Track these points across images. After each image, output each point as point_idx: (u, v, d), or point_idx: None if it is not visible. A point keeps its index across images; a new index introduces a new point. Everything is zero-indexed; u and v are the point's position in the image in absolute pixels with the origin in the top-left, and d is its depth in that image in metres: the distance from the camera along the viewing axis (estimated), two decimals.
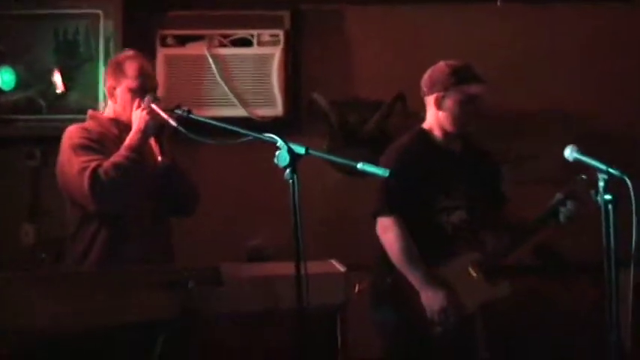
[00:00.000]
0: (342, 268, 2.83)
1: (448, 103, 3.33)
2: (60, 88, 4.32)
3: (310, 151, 2.61)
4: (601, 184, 2.68)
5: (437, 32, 4.46)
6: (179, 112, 3.01)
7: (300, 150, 2.59)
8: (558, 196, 3.41)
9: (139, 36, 4.32)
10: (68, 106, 4.29)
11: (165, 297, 2.43)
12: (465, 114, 3.34)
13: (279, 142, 2.59)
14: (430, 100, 3.39)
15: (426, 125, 3.43)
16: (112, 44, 4.28)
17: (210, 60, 4.29)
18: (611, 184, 2.90)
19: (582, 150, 2.81)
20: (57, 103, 4.32)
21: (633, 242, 2.61)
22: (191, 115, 2.98)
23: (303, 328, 2.49)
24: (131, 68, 3.18)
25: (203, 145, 3.90)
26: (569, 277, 4.48)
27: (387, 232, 3.27)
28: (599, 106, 4.50)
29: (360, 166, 2.58)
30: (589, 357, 4.32)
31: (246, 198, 4.40)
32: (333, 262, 2.89)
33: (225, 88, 4.29)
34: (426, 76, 3.42)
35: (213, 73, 4.29)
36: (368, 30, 4.47)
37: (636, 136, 4.49)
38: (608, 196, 2.66)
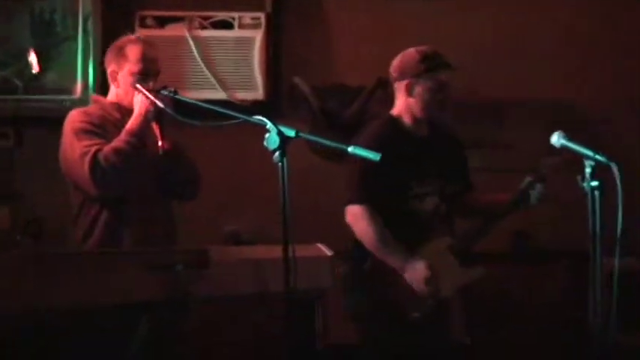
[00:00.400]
0: (328, 252, 2.82)
1: (419, 90, 3.34)
2: (35, 68, 4.25)
3: (300, 134, 2.59)
4: (588, 170, 2.69)
5: (418, 19, 4.46)
6: (165, 92, 2.99)
7: (290, 132, 2.56)
8: (528, 178, 3.44)
9: (118, 16, 4.27)
10: (45, 87, 4.24)
11: (153, 279, 2.40)
12: (436, 101, 3.35)
13: (269, 125, 2.56)
14: (400, 87, 3.38)
15: (395, 112, 3.43)
16: (90, 24, 4.22)
17: (191, 42, 4.25)
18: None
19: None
20: (33, 83, 4.25)
21: (618, 229, 2.62)
22: (177, 96, 2.96)
23: (290, 311, 2.48)
24: (133, 52, 3.17)
25: (180, 129, 3.90)
26: (547, 265, 4.53)
27: (358, 220, 3.26)
28: (575, 94, 4.54)
29: (351, 149, 2.57)
30: (567, 344, 4.37)
31: (223, 183, 4.37)
32: (320, 245, 2.88)
33: (206, 71, 4.25)
34: (395, 63, 3.41)
35: (194, 56, 4.25)
36: (350, 15, 4.46)
37: (613, 123, 4.54)
38: (594, 183, 2.67)
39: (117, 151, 2.99)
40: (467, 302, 4.23)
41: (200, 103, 2.91)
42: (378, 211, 3.26)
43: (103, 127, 3.12)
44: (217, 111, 2.82)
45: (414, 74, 3.33)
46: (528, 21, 4.55)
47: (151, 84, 3.12)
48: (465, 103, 4.52)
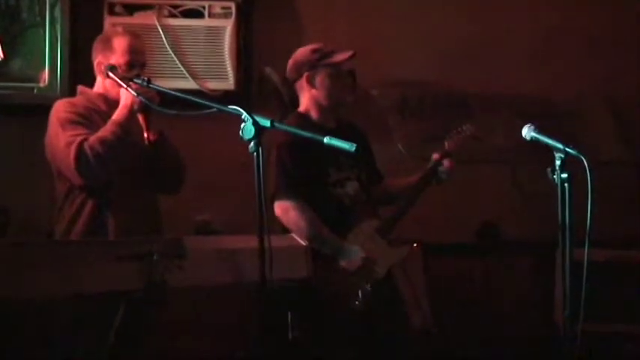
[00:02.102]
0: (303, 242, 2.83)
1: (319, 79, 3.45)
2: (0, 55, 4.18)
3: (275, 124, 2.60)
4: (558, 162, 2.73)
5: (390, 10, 4.48)
6: (138, 81, 2.98)
7: (265, 122, 2.57)
8: (434, 155, 3.63)
9: (86, 3, 4.22)
10: (11, 74, 4.15)
11: (129, 268, 2.39)
12: (338, 87, 3.47)
13: (244, 115, 2.57)
14: (301, 84, 3.50)
15: (301, 108, 3.53)
16: (57, 10, 4.15)
17: (160, 30, 4.21)
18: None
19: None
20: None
21: (588, 220, 2.67)
22: (151, 85, 2.94)
23: (266, 301, 2.49)
24: (119, 44, 3.19)
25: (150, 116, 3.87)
26: (512, 256, 4.59)
27: (288, 213, 3.32)
28: (546, 88, 4.59)
29: (326, 140, 2.58)
30: (533, 335, 4.43)
31: (194, 173, 4.34)
32: (294, 235, 2.89)
33: (175, 60, 4.22)
34: (290, 64, 3.54)
35: (163, 44, 4.21)
36: (320, 5, 4.46)
37: (584, 117, 4.60)
38: (564, 175, 2.71)
39: (102, 141, 3.00)
40: (433, 292, 4.29)
41: (175, 93, 2.92)
42: (304, 201, 3.33)
43: (89, 117, 3.12)
44: (190, 100, 2.82)
45: (310, 66, 3.46)
46: (497, 15, 4.59)
47: (135, 73, 3.11)
48: (432, 96, 4.58)
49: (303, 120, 3.49)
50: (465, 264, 4.55)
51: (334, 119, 3.53)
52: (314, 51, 3.48)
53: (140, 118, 3.14)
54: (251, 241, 2.57)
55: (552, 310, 4.26)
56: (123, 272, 2.40)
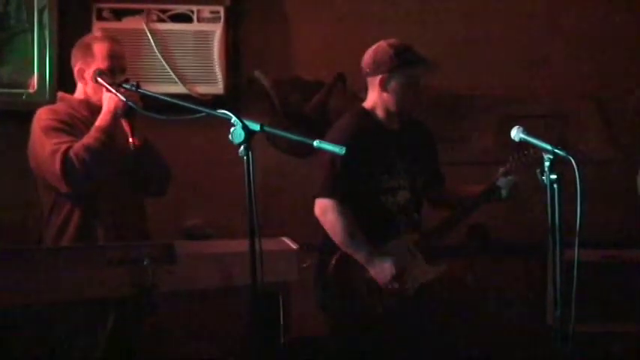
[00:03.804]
0: (294, 246, 2.83)
1: (393, 85, 3.34)
2: None
3: (265, 128, 2.59)
4: (547, 163, 2.73)
5: (378, 13, 4.48)
6: (127, 86, 2.98)
7: (254, 127, 2.56)
8: (500, 171, 3.49)
9: (74, 8, 4.21)
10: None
11: (120, 274, 2.39)
12: (410, 95, 3.37)
13: (234, 119, 2.56)
14: (374, 82, 3.38)
15: (367, 105, 3.43)
16: (45, 16, 4.14)
17: (149, 35, 4.20)
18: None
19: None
20: None
21: (577, 221, 2.67)
22: (139, 90, 2.94)
23: (256, 305, 2.48)
24: (100, 50, 3.18)
25: (139, 121, 3.86)
26: (503, 258, 4.59)
27: (326, 213, 3.28)
28: (532, 89, 4.60)
29: (316, 143, 2.57)
30: (521, 335, 4.44)
31: (183, 177, 4.33)
32: (285, 239, 2.89)
33: (165, 64, 4.21)
34: (368, 57, 3.40)
35: (152, 49, 4.20)
36: (309, 9, 4.46)
37: (569, 118, 4.62)
38: (553, 176, 2.71)
39: (87, 147, 2.99)
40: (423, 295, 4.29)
41: (164, 97, 2.91)
42: (348, 205, 3.27)
43: (72, 124, 3.12)
44: (180, 105, 2.82)
45: (388, 69, 3.33)
46: (487, 17, 4.59)
47: (117, 79, 3.10)
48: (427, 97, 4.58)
49: (367, 117, 3.40)
50: (455, 266, 4.54)
51: (400, 122, 3.44)
52: (397, 53, 3.32)
53: (124, 123, 3.13)
54: (241, 246, 2.58)
55: (544, 311, 4.27)
56: (113, 278, 2.39)
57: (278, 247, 2.79)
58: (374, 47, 3.41)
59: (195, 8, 4.26)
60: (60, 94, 3.31)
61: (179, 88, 4.21)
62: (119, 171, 3.15)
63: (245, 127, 2.54)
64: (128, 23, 4.24)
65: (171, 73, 4.23)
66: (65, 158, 2.96)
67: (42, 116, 3.12)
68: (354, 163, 3.23)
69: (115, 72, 3.14)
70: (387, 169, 3.37)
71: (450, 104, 4.59)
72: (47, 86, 4.10)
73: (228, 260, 2.65)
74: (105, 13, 4.23)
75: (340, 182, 3.26)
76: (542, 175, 2.74)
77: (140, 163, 3.19)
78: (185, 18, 4.27)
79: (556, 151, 2.72)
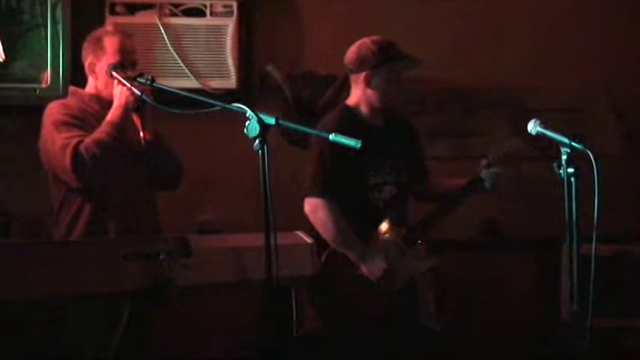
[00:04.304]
0: (308, 240, 2.82)
1: (377, 81, 3.37)
2: (2, 56, 4.17)
3: (280, 122, 2.59)
4: (564, 157, 2.71)
5: (391, 6, 4.47)
6: (142, 80, 2.97)
7: (270, 120, 2.56)
8: (483, 163, 3.52)
9: (87, 3, 4.21)
10: (13, 76, 4.14)
11: (135, 268, 2.38)
12: (394, 91, 3.41)
13: (249, 113, 2.55)
14: (358, 78, 3.40)
15: (351, 102, 3.45)
16: (58, 11, 4.13)
17: (162, 29, 4.20)
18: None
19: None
20: (1, 71, 4.16)
21: (595, 216, 2.65)
22: (154, 84, 2.93)
23: (272, 299, 2.48)
24: (111, 44, 3.16)
25: (153, 115, 3.85)
26: (515, 253, 4.57)
27: (317, 212, 3.29)
28: (544, 83, 4.58)
29: (332, 137, 2.57)
30: (535, 330, 4.42)
31: (196, 172, 4.33)
32: (300, 233, 2.88)
33: (177, 59, 4.21)
34: (351, 54, 3.42)
35: (165, 43, 4.20)
36: (322, 3, 4.45)
37: (586, 111, 4.59)
38: (570, 170, 2.69)
39: (98, 142, 2.98)
40: (436, 290, 4.28)
41: (179, 91, 2.91)
42: (336, 202, 3.28)
43: (83, 119, 3.10)
44: (194, 99, 2.81)
45: (372, 66, 3.36)
46: (495, 8, 4.57)
47: (128, 73, 3.10)
48: (432, 91, 4.57)
49: (351, 113, 3.42)
50: (468, 261, 4.54)
51: (383, 117, 3.47)
52: (380, 49, 3.36)
53: (135, 117, 3.12)
54: (255, 240, 2.57)
55: (558, 307, 4.25)
56: (129, 272, 2.39)
57: (293, 241, 2.78)
58: (357, 44, 3.43)
59: (208, 2, 4.26)
60: (71, 88, 3.30)
61: (192, 83, 4.20)
62: (130, 166, 3.14)
63: (260, 121, 2.53)
64: (141, 18, 4.23)
65: (184, 68, 4.22)
66: (76, 153, 2.95)
67: (53, 110, 3.11)
68: (341, 160, 3.25)
69: (126, 66, 3.14)
70: (372, 166, 3.39)
71: (464, 98, 4.58)
72: (60, 81, 4.09)
73: (243, 254, 2.64)
74: (118, 8, 4.23)
75: (329, 180, 3.28)
76: (560, 169, 2.72)
77: (151, 157, 3.18)
78: (198, 12, 4.27)
79: (573, 144, 2.71)
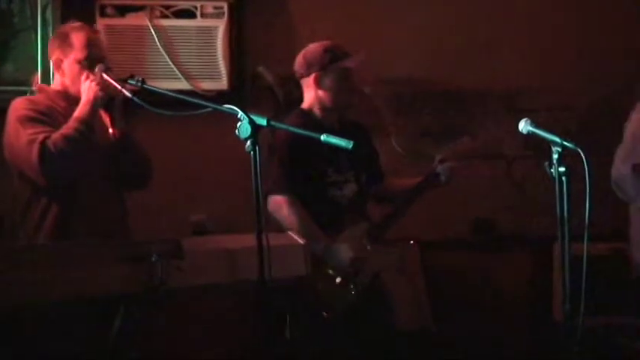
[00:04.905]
0: (301, 240, 2.82)
1: (327, 81, 3.46)
2: None
3: (272, 123, 2.59)
4: (555, 156, 2.72)
5: (383, 7, 4.48)
6: (132, 82, 2.95)
7: (261, 121, 2.56)
8: (438, 158, 3.61)
9: (78, 5, 4.19)
10: (3, 78, 4.15)
11: (128, 270, 2.38)
12: (345, 89, 3.48)
13: (240, 114, 2.56)
14: (308, 81, 3.49)
15: (305, 105, 3.54)
16: (49, 13, 4.13)
17: (152, 31, 4.19)
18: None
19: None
20: None
21: (587, 214, 2.66)
22: (145, 86, 2.91)
23: (265, 300, 2.48)
24: (78, 39, 3.12)
25: (141, 117, 3.84)
26: (508, 252, 4.59)
27: (281, 209, 3.34)
28: (540, 83, 4.59)
29: (323, 137, 2.58)
30: (528, 329, 4.43)
31: (186, 172, 4.34)
32: (292, 233, 2.88)
33: (168, 61, 4.20)
34: (299, 59, 3.52)
35: (156, 45, 4.19)
36: (312, 4, 4.45)
37: (579, 111, 4.60)
38: (562, 169, 2.70)
39: (66, 137, 2.92)
40: (430, 289, 4.29)
41: (171, 93, 2.90)
42: (298, 198, 3.35)
43: (50, 114, 3.05)
44: (187, 100, 2.80)
45: (320, 67, 3.45)
46: (490, 9, 4.58)
47: (97, 70, 3.05)
48: (426, 92, 4.58)
49: (307, 117, 3.48)
50: (461, 260, 4.55)
51: (337, 119, 3.54)
52: (326, 50, 3.46)
53: (103, 114, 3.08)
54: (247, 240, 2.57)
55: (551, 305, 4.26)
56: (121, 274, 2.38)
57: (285, 242, 2.78)
58: (303, 50, 3.54)
59: (198, 4, 4.25)
60: (38, 85, 3.25)
61: (183, 84, 4.20)
62: (99, 163, 3.09)
63: (252, 122, 2.53)
64: (131, 20, 4.22)
65: (175, 69, 4.21)
66: (42, 148, 2.88)
67: (18, 106, 3.05)
68: (300, 159, 3.34)
69: (93, 61, 3.09)
70: (331, 163, 3.45)
71: (455, 98, 4.59)
72: (50, 83, 4.06)
73: (235, 255, 2.64)
74: (108, 10, 4.22)
75: (290, 178, 3.34)
76: (551, 168, 2.73)
77: (120, 155, 3.12)
78: (188, 14, 4.26)
79: (564, 143, 2.71)
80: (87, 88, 3.02)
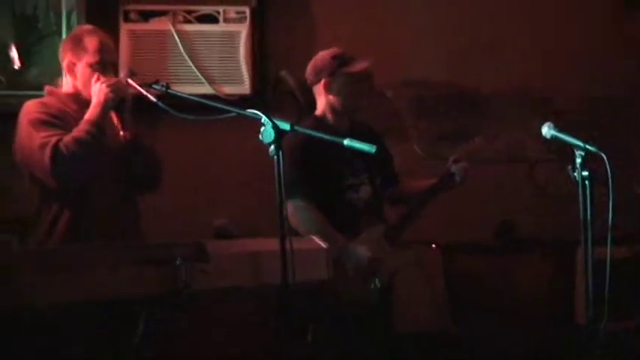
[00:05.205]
0: (324, 244, 2.83)
1: (336, 86, 3.52)
2: (17, 63, 4.22)
3: (295, 127, 2.61)
4: (578, 160, 2.72)
5: (404, 10, 4.49)
6: (157, 87, 2.95)
7: (285, 126, 2.58)
8: (452, 159, 3.63)
9: (102, 10, 4.24)
10: (27, 82, 4.18)
11: (153, 273, 2.40)
12: (354, 93, 3.53)
13: (264, 119, 2.58)
14: (319, 88, 3.56)
15: (318, 112, 3.59)
16: (73, 19, 4.18)
17: (175, 36, 4.23)
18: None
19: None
20: (16, 78, 4.20)
21: (610, 219, 2.66)
22: (170, 91, 2.93)
23: (287, 303, 2.49)
24: (91, 43, 3.12)
25: (164, 121, 3.87)
26: (530, 255, 4.58)
27: (297, 214, 3.34)
28: (559, 85, 4.58)
29: (346, 142, 2.59)
30: (550, 333, 4.42)
31: (209, 176, 4.37)
32: (314, 238, 2.90)
33: (191, 65, 4.23)
34: (309, 68, 3.60)
35: (179, 50, 4.23)
36: (335, 9, 4.47)
37: (596, 114, 4.59)
38: (585, 172, 2.70)
39: (77, 140, 2.92)
40: (452, 292, 4.29)
41: (196, 98, 2.91)
42: (317, 204, 3.37)
43: (62, 118, 3.05)
44: (210, 105, 2.82)
45: (329, 73, 3.52)
46: (511, 12, 4.58)
47: (108, 73, 3.07)
48: (447, 95, 4.58)
49: (320, 123, 3.53)
50: (483, 264, 4.55)
51: (349, 122, 3.59)
52: (334, 57, 3.53)
53: (114, 117, 3.07)
54: (270, 244, 2.59)
55: (572, 309, 4.25)
56: (145, 277, 2.40)
57: (308, 246, 2.79)
58: (314, 58, 3.62)
59: (221, 9, 4.28)
60: (48, 87, 3.23)
61: (205, 89, 4.23)
62: (110, 166, 3.08)
63: (275, 127, 2.55)
64: (155, 25, 4.26)
65: (198, 74, 4.24)
66: (55, 151, 2.88)
67: (30, 109, 3.05)
68: (315, 162, 3.37)
69: (106, 66, 3.09)
70: (347, 167, 3.49)
71: (477, 101, 4.59)
72: None
73: (259, 259, 2.65)
74: (132, 15, 4.26)
75: (305, 182, 3.36)
76: (574, 172, 2.73)
77: (131, 157, 3.11)
78: (211, 19, 4.29)
79: (587, 147, 2.71)
80: (97, 90, 3.02)
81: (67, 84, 3.19)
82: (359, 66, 3.52)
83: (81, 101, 3.12)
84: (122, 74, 3.11)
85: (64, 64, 3.17)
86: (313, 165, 3.37)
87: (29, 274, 2.24)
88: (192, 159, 4.34)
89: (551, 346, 4.38)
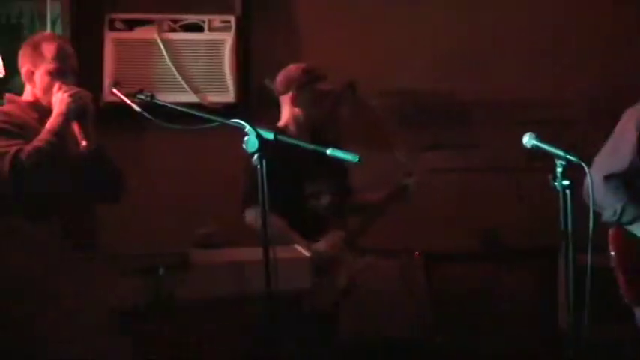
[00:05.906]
0: (307, 253, 2.85)
1: (302, 100, 3.57)
2: (1, 71, 4.20)
3: (278, 137, 2.62)
4: (559, 170, 2.75)
5: (387, 20, 4.50)
6: (142, 96, 2.95)
7: (268, 136, 2.60)
8: (405, 172, 3.76)
9: (87, 19, 4.25)
10: (13, 91, 4.08)
11: (134, 283, 2.41)
12: (320, 109, 3.59)
13: (247, 128, 2.59)
14: (286, 99, 3.61)
15: (281, 123, 3.63)
16: (58, 27, 4.17)
17: (161, 45, 4.23)
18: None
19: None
20: (0, 87, 4.19)
21: (590, 227, 2.69)
22: (155, 100, 2.93)
23: (272, 312, 2.50)
24: (49, 50, 3.08)
25: (149, 130, 3.87)
26: (515, 264, 4.60)
27: (257, 220, 3.31)
28: (547, 94, 4.60)
29: (329, 151, 2.61)
30: (534, 340, 4.44)
31: (192, 185, 4.37)
32: (297, 246, 2.91)
33: (176, 74, 4.24)
34: (280, 77, 3.65)
35: (164, 59, 4.23)
36: (319, 17, 4.49)
37: (582, 122, 4.61)
38: (565, 182, 2.73)
39: (38, 150, 2.88)
40: (436, 301, 4.30)
41: (181, 108, 2.91)
42: (278, 211, 3.33)
43: (22, 126, 3.01)
44: (194, 114, 2.83)
45: (297, 86, 3.57)
46: (496, 21, 4.60)
47: (68, 79, 3.05)
48: (431, 104, 4.60)
49: (282, 133, 3.52)
50: (467, 272, 4.56)
51: (310, 136, 3.60)
52: (304, 72, 3.59)
53: (75, 126, 3.02)
54: (254, 253, 2.60)
55: (556, 316, 4.27)
56: (128, 287, 2.41)
57: (291, 255, 2.81)
58: (285, 69, 3.67)
59: (206, 18, 4.30)
60: (8, 95, 3.19)
61: (190, 97, 4.24)
62: (70, 176, 3.03)
63: (259, 136, 2.57)
64: (140, 33, 4.27)
65: (183, 83, 4.25)
66: (15, 161, 2.84)
67: None
68: (274, 172, 3.32)
69: (65, 72, 3.07)
70: (307, 176, 3.54)
71: (461, 110, 4.61)
72: None
73: (243, 268, 2.67)
74: (117, 24, 4.26)
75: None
76: (555, 182, 2.76)
77: (92, 168, 3.07)
78: (196, 28, 4.31)
79: (568, 157, 2.74)
80: (59, 100, 2.98)
81: (26, 92, 3.15)
82: (327, 86, 3.60)
83: (40, 109, 3.08)
84: (106, 83, 3.08)
85: (23, 72, 3.14)
86: (275, 173, 3.36)
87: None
88: (176, 167, 4.34)
89: (535, 354, 4.40)
